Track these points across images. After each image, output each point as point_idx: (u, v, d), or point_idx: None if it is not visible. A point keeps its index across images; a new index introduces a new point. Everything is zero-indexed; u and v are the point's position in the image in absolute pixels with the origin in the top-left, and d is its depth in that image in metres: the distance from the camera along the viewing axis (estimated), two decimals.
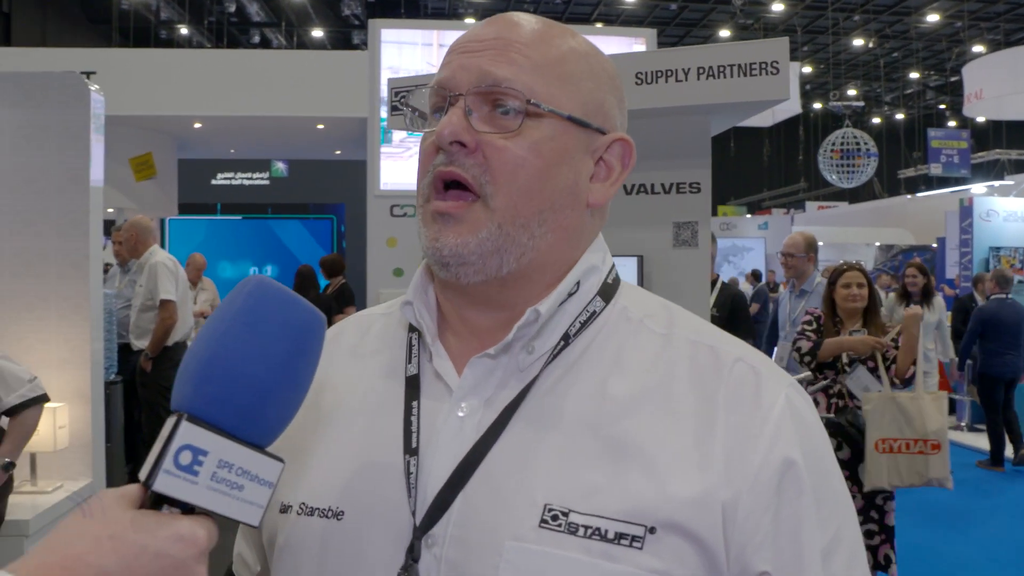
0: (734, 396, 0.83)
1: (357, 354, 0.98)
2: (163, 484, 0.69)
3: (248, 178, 15.38)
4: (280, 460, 0.75)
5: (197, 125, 8.35)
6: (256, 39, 25.21)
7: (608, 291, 0.92)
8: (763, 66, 3.15)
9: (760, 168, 26.49)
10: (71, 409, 3.97)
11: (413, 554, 0.80)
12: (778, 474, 0.79)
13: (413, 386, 0.89)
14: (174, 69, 7.93)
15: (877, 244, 15.10)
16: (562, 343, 0.87)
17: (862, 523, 4.07)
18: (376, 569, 0.81)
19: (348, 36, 23.53)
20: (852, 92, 27.00)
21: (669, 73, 3.29)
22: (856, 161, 16.81)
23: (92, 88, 4.24)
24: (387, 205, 8.61)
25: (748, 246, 17.05)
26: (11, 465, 3.35)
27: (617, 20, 24.56)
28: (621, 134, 0.91)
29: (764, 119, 17.28)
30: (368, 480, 0.85)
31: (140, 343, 5.61)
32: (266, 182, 15.64)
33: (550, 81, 0.85)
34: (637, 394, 0.83)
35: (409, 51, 8.51)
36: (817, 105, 27.48)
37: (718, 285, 5.29)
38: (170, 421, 0.71)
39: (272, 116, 8.34)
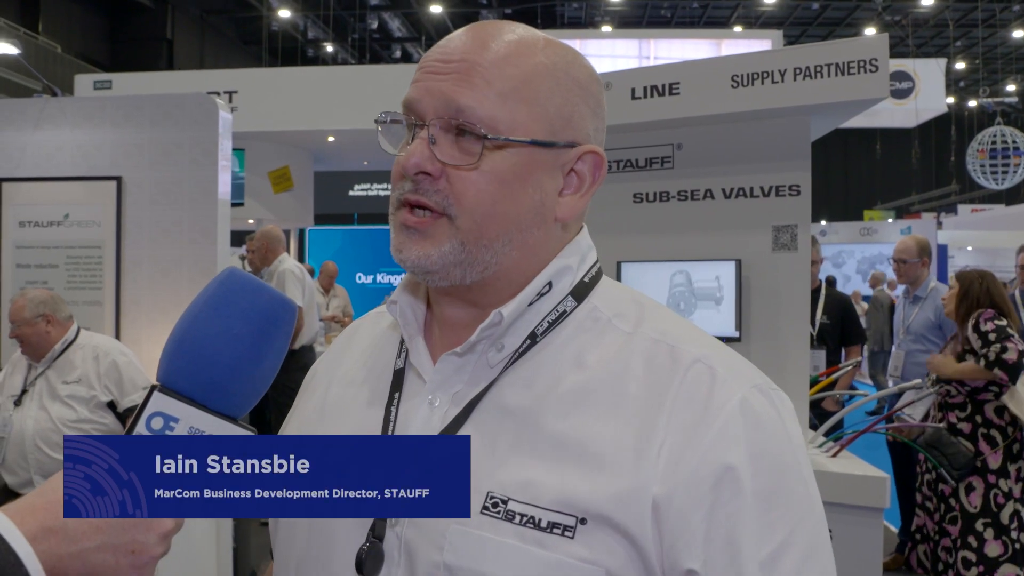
0: (686, 396, 0.84)
1: (367, 346, 1.06)
2: None
3: (384, 189, 15.92)
4: (251, 430, 0.84)
5: (330, 139, 8.71)
6: (398, 54, 26.07)
7: (582, 291, 0.94)
8: (861, 64, 3.05)
9: (908, 170, 25.26)
10: None
11: (375, 532, 0.86)
12: (715, 475, 0.80)
13: (398, 379, 0.96)
14: (308, 86, 8.33)
15: None
16: (528, 342, 0.91)
17: (959, 548, 3.86)
18: (348, 544, 0.88)
19: None
20: (1011, 87, 25.39)
21: (765, 75, 3.24)
22: (1014, 160, 15.79)
23: (224, 108, 4.54)
24: None
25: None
26: None
27: (756, 22, 24.01)
28: (591, 146, 0.92)
29: (908, 119, 16.48)
30: None
31: None
32: None
33: (513, 106, 0.87)
34: (588, 391, 0.86)
35: None
36: (972, 103, 25.98)
37: (823, 292, 5.10)
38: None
39: None
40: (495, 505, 0.82)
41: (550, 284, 0.92)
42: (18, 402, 3.67)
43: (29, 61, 15.29)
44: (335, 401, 1.01)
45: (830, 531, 2.91)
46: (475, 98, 0.86)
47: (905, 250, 5.05)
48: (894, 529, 5.29)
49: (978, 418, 3.97)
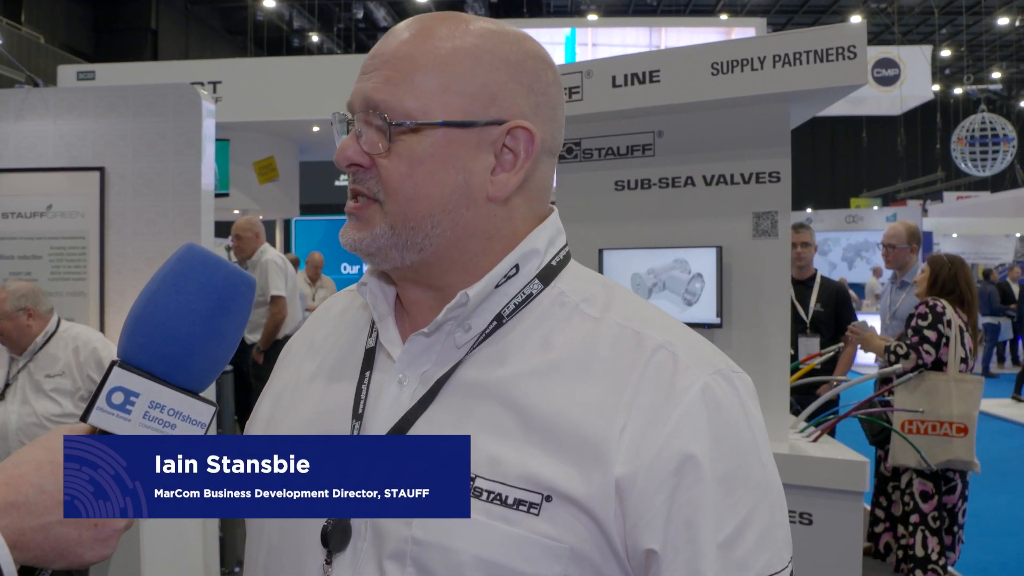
0: (650, 381, 0.86)
1: (340, 324, 1.08)
2: (96, 419, 0.81)
3: None
4: (213, 404, 0.86)
5: (315, 129, 8.69)
6: None
7: (548, 274, 0.96)
8: (840, 51, 3.07)
9: (895, 158, 25.36)
10: None
11: None
12: (676, 459, 0.82)
13: (369, 358, 0.98)
14: (293, 75, 8.31)
15: (1018, 235, 14.17)
16: (495, 323, 0.93)
17: (872, 506, 4.27)
18: (318, 521, 0.89)
19: None
20: (996, 75, 25.49)
21: (745, 62, 3.25)
22: (1003, 147, 15.84)
23: (207, 98, 4.53)
24: None
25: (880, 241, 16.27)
26: None
27: (743, 10, 24.02)
28: (518, 121, 0.93)
29: (893, 107, 16.51)
30: None
31: (252, 337, 5.92)
32: None
33: (425, 93, 0.89)
34: (554, 370, 0.88)
35: None
36: (957, 90, 26.09)
37: (817, 280, 5.16)
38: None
39: None
40: None
41: (517, 267, 0.94)
42: (1, 397, 3.65)
43: (11, 52, 15.16)
44: (307, 379, 1.04)
45: (810, 515, 2.93)
46: (388, 91, 0.90)
47: (894, 235, 5.10)
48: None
49: None
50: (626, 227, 3.74)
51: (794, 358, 4.56)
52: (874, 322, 5.38)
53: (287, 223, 10.68)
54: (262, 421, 1.05)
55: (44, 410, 3.59)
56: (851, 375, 5.32)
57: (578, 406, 0.85)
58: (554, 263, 0.98)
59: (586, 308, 0.94)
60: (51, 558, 0.79)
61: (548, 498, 0.82)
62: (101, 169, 4.48)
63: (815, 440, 3.41)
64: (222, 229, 7.19)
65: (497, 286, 0.93)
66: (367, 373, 0.97)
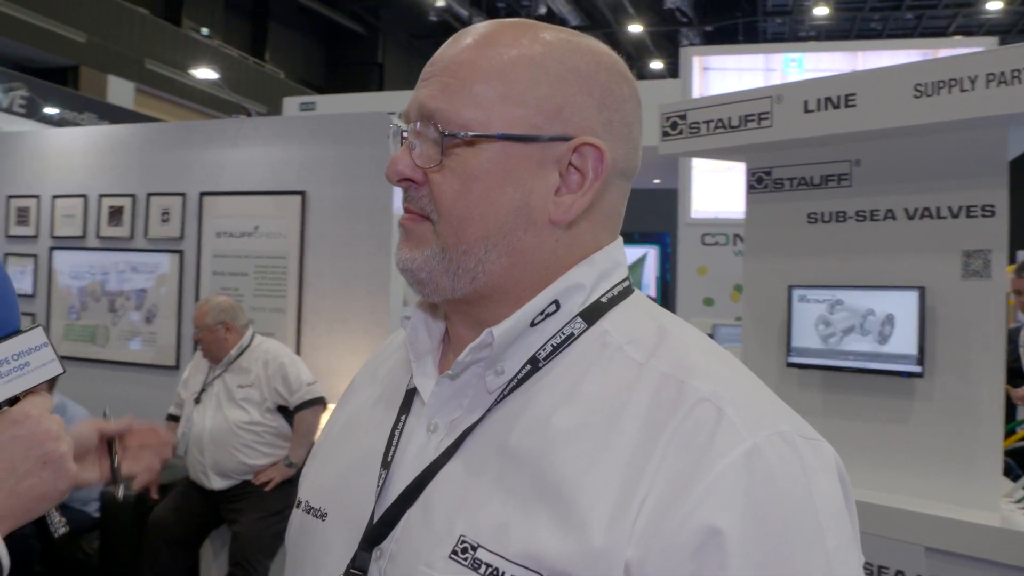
0: (684, 440, 0.72)
1: (390, 363, 1.01)
2: None
3: None
4: (36, 326, 0.98)
5: None
6: None
7: (593, 312, 0.85)
8: None
9: None
10: None
11: (355, 563, 0.82)
12: (697, 540, 0.68)
13: (408, 400, 0.91)
14: None
15: None
16: (529, 367, 0.82)
17: None
18: (335, 570, 0.84)
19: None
20: None
21: (953, 83, 2.94)
22: None
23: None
24: (698, 233, 8.59)
25: None
26: (292, 464, 3.81)
27: (980, 31, 22.33)
28: (588, 138, 0.82)
29: None
30: (351, 488, 0.89)
31: None
32: None
33: (486, 102, 0.81)
34: (577, 429, 0.77)
35: (750, 77, 8.44)
36: None
37: None
38: None
39: None
40: (464, 551, 0.75)
41: (557, 303, 0.83)
42: (198, 400, 3.94)
43: (255, 87, 16.61)
44: (355, 418, 0.98)
45: None
46: (445, 100, 0.81)
47: None
48: None
49: None
50: (819, 263, 3.48)
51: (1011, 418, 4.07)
52: None
53: None
54: (316, 458, 1.01)
55: (235, 417, 3.82)
56: None
57: (598, 474, 0.73)
58: (604, 299, 0.85)
59: (631, 351, 0.80)
60: (35, 508, 0.89)
61: None
62: (303, 193, 4.74)
63: None
64: None
65: (533, 324, 0.82)
66: (403, 417, 0.89)
